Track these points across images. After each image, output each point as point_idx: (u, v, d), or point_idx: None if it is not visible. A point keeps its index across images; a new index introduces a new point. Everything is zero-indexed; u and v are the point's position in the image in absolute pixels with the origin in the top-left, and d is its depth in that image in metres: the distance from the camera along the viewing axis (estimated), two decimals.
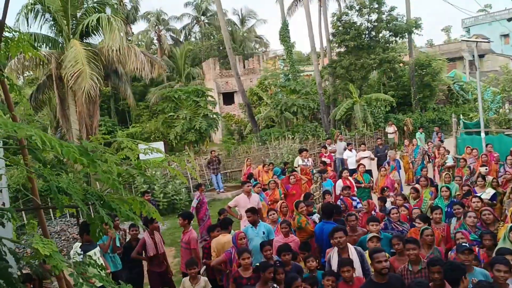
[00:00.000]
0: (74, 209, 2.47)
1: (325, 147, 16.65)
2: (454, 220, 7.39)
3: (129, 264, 7.99)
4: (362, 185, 11.33)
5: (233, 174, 19.90)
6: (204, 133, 22.60)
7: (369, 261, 5.65)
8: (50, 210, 12.71)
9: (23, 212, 10.30)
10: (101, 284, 2.32)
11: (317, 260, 6.95)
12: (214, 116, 23.17)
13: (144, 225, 8.15)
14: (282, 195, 10.45)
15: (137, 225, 4.79)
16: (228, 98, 35.32)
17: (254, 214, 7.62)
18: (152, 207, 2.52)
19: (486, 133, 16.17)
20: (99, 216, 2.10)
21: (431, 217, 7.47)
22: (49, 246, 1.76)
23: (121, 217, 2.38)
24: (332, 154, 16.53)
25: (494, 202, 8.50)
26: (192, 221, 8.07)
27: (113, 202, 2.07)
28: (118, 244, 8.28)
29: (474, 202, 7.59)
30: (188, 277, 6.32)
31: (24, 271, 3.58)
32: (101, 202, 2.10)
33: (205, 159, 18.79)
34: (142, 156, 3.01)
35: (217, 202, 15.93)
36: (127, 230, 8.64)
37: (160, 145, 17.39)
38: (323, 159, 14.74)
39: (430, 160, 15.23)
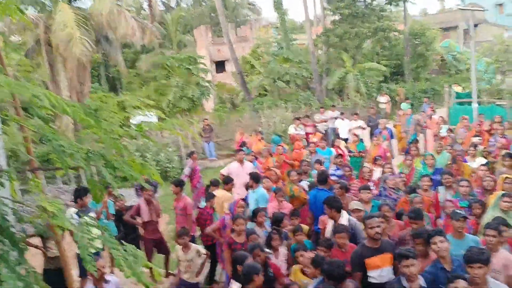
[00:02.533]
0: (75, 170, 2.45)
1: (307, 116, 16.70)
2: (441, 188, 7.51)
3: (124, 231, 8.04)
4: (354, 154, 11.40)
5: (225, 143, 19.89)
6: (197, 101, 22.45)
7: None
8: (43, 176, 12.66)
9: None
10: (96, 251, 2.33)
11: (310, 228, 7.08)
12: (207, 84, 22.97)
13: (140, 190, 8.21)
14: (276, 163, 10.52)
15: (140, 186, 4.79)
16: (220, 66, 34.87)
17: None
18: (153, 169, 2.52)
19: (478, 104, 16.27)
20: (100, 178, 2.09)
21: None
22: (55, 205, 1.75)
23: (116, 184, 2.37)
24: (320, 124, 16.55)
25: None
26: (184, 188, 8.12)
27: (116, 162, 2.05)
28: (112, 211, 8.30)
29: (480, 170, 7.88)
30: (180, 246, 6.38)
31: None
32: (104, 162, 2.09)
33: (196, 128, 18.72)
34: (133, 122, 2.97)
35: (210, 170, 15.97)
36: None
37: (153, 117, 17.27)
38: (308, 128, 14.75)
39: (422, 130, 15.31)
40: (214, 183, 8.81)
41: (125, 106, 18.39)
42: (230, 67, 33.66)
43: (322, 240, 5.74)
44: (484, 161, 9.05)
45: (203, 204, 8.06)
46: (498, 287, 4.00)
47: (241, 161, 9.49)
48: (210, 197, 7.89)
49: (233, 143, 16.72)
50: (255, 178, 7.98)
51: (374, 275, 4.90)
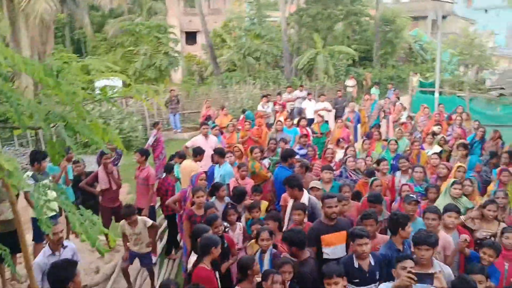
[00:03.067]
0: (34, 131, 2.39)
1: (279, 94, 16.77)
2: (398, 173, 7.77)
3: (82, 198, 7.91)
4: (317, 135, 11.57)
5: (191, 116, 19.73)
6: (164, 72, 22.03)
7: None
8: None
9: None
10: (52, 214, 2.29)
11: (270, 204, 7.21)
12: (176, 54, 22.51)
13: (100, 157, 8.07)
14: (241, 139, 10.55)
15: (103, 151, 4.71)
16: (190, 37, 34.24)
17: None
18: (116, 135, 2.48)
19: (440, 94, 16.78)
20: (60, 139, 2.03)
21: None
22: (12, 163, 1.70)
23: (76, 150, 2.32)
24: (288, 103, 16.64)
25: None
26: (148, 159, 8.06)
27: (77, 125, 2.01)
28: (70, 177, 8.13)
29: (432, 159, 8.13)
30: (126, 222, 6.27)
31: None
32: (64, 124, 2.03)
33: (163, 98, 18.44)
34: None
35: (174, 142, 15.86)
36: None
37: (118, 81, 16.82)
38: (276, 106, 14.82)
39: (385, 115, 15.67)
40: (181, 155, 8.77)
41: (89, 70, 17.83)
42: (201, 39, 33.09)
43: (269, 214, 5.90)
44: (438, 149, 9.41)
45: (163, 175, 8.03)
46: (441, 267, 4.23)
47: (205, 135, 9.47)
48: (169, 168, 7.86)
49: (199, 116, 16.61)
50: (221, 154, 8.00)
51: (328, 252, 5.06)
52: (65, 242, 5.44)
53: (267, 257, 4.98)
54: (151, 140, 11.06)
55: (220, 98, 20.85)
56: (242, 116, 13.01)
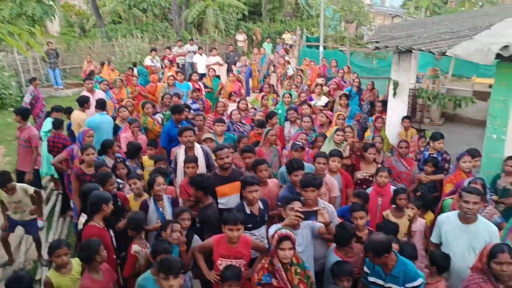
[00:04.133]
0: None
1: (169, 48, 16.34)
2: (287, 123, 8.18)
3: None
4: (209, 89, 11.57)
5: (73, 71, 18.36)
6: (38, 22, 19.92)
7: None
8: None
9: None
10: None
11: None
12: (51, 2, 20.39)
13: None
14: (130, 95, 10.17)
15: None
16: None
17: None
18: None
19: (324, 48, 17.68)
20: None
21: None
22: None
23: None
24: (178, 58, 16.31)
25: (326, 108, 9.60)
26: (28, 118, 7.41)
27: None
28: None
29: (306, 109, 8.53)
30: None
31: None
32: None
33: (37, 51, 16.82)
34: None
35: (55, 99, 14.70)
36: None
37: None
38: (166, 61, 14.47)
39: (275, 69, 16.15)
40: (57, 109, 8.18)
41: None
42: None
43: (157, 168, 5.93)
44: (326, 100, 10.03)
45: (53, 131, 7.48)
46: (325, 206, 4.65)
47: (91, 91, 8.92)
48: (58, 123, 7.35)
49: (81, 72, 15.53)
50: (100, 104, 7.74)
51: (223, 202, 5.23)
52: None
53: (166, 204, 5.02)
54: (27, 98, 10.15)
55: (105, 52, 19.62)
56: (130, 71, 12.44)
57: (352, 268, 4.09)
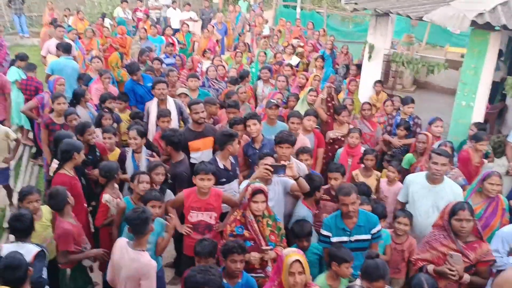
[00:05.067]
0: None
1: (141, 1, 15.75)
2: (260, 82, 8.14)
3: None
4: (181, 45, 11.31)
5: (40, 19, 17.49)
6: None
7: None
8: None
9: None
10: None
11: None
12: None
13: None
14: (101, 46, 9.85)
15: None
16: None
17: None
18: None
19: (301, 9, 17.45)
20: None
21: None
22: None
23: None
24: (153, 11, 15.76)
25: (297, 68, 9.57)
26: None
27: None
28: None
29: (288, 70, 8.48)
30: None
31: None
32: None
33: None
34: None
35: (21, 48, 13.98)
36: None
37: None
38: (138, 13, 13.96)
39: (250, 28, 15.86)
40: (22, 57, 7.83)
41: None
42: None
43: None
44: (297, 60, 10.00)
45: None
46: (296, 163, 4.72)
47: (60, 38, 8.56)
48: (31, 67, 7.08)
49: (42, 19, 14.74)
50: (64, 47, 7.57)
51: (195, 157, 5.25)
52: None
53: (143, 157, 4.99)
54: None
55: (74, 1, 18.73)
56: (100, 20, 11.98)
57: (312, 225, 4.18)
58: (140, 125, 5.32)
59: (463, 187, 4.71)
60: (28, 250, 3.32)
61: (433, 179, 4.35)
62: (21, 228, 3.43)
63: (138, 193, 4.22)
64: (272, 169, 4.05)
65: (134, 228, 3.41)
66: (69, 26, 11.30)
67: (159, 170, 4.48)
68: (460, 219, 3.49)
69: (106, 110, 5.80)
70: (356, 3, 7.72)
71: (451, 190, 4.33)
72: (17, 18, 15.13)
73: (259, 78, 8.30)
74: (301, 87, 7.90)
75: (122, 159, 5.05)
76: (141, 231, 3.41)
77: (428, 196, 4.36)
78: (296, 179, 4.18)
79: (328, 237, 3.89)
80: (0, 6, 15.74)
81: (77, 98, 6.10)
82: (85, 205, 4.49)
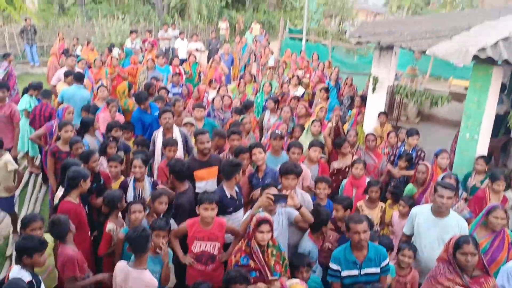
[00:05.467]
0: None
1: (149, 32, 16.15)
2: (267, 112, 8.22)
3: None
4: (188, 75, 11.49)
5: (50, 48, 17.91)
6: None
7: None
8: None
9: None
10: None
11: None
12: None
13: None
14: (109, 75, 10.04)
15: None
16: None
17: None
18: None
19: (307, 41, 17.75)
20: None
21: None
22: None
23: None
24: (163, 42, 16.14)
25: (302, 98, 9.67)
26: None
27: None
28: None
29: (293, 103, 8.56)
30: None
31: None
32: None
33: (16, 27, 16.36)
34: None
35: (31, 77, 14.31)
36: None
37: None
38: (146, 44, 14.27)
39: (256, 59, 16.12)
40: (35, 86, 7.98)
41: None
42: None
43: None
44: (302, 91, 10.12)
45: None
46: (302, 194, 4.73)
47: (72, 68, 8.75)
48: (47, 94, 7.23)
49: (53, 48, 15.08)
50: (76, 76, 7.86)
51: (200, 186, 5.25)
52: None
53: (147, 186, 5.01)
54: (0, 74, 9.86)
55: (84, 31, 19.21)
56: (107, 51, 12.26)
57: (316, 258, 4.17)
58: (144, 153, 5.37)
59: (468, 220, 4.67)
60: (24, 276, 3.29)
61: (439, 212, 4.31)
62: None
63: (132, 222, 4.23)
64: (273, 198, 4.05)
65: (135, 246, 3.44)
66: (77, 56, 11.55)
67: (163, 199, 4.48)
68: (465, 252, 3.46)
69: (111, 138, 5.86)
70: (360, 37, 7.86)
71: (456, 224, 4.29)
72: (28, 47, 15.51)
73: (265, 108, 8.39)
74: (300, 117, 7.98)
75: (124, 187, 5.06)
76: (142, 250, 3.45)
77: (434, 229, 4.32)
78: (298, 209, 4.17)
79: (338, 271, 3.84)
80: (13, 36, 16.15)
81: (86, 127, 6.19)
82: (89, 233, 4.48)
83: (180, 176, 4.87)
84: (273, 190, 4.31)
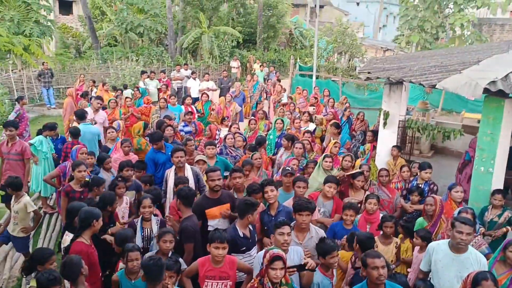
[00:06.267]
0: None
1: (163, 72, 16.55)
2: (282, 149, 8.24)
3: None
4: (200, 114, 11.64)
5: (67, 91, 18.40)
6: (36, 41, 20.02)
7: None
8: None
9: None
10: None
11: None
12: (49, 23, 20.57)
13: None
14: (123, 115, 10.23)
15: None
16: (65, 7, 31.53)
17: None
18: None
19: (317, 77, 17.97)
20: None
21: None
22: None
23: None
24: (175, 82, 16.48)
25: (314, 135, 9.69)
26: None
27: None
28: None
29: (308, 137, 8.62)
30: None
31: None
32: None
33: (34, 71, 16.89)
34: None
35: (47, 118, 14.65)
36: None
37: None
38: (160, 84, 14.59)
39: (267, 96, 16.32)
40: (50, 127, 8.15)
41: None
42: (77, 9, 30.74)
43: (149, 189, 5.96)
44: (313, 127, 10.15)
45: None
46: (316, 230, 4.66)
47: (96, 110, 9.07)
48: (76, 132, 7.46)
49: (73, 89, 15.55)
50: (78, 114, 8.22)
51: (213, 224, 5.21)
52: None
53: (154, 226, 4.99)
54: (12, 116, 10.15)
55: (100, 74, 19.75)
56: (119, 92, 12.57)
57: None
58: (154, 193, 5.39)
59: (486, 256, 4.54)
60: None
61: (458, 248, 4.19)
62: None
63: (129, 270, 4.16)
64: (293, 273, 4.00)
65: (150, 275, 3.43)
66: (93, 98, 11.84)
67: (167, 237, 4.41)
68: None
69: (120, 179, 5.89)
70: (369, 72, 7.95)
71: (476, 260, 4.16)
72: (45, 90, 15.95)
73: (277, 145, 8.42)
74: (308, 151, 7.99)
75: (131, 227, 5.07)
76: (157, 278, 3.45)
77: (452, 266, 4.19)
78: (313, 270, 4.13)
79: None
80: (31, 79, 16.66)
81: (101, 162, 6.27)
82: (100, 274, 4.44)
83: (186, 202, 4.94)
84: (287, 229, 4.25)
